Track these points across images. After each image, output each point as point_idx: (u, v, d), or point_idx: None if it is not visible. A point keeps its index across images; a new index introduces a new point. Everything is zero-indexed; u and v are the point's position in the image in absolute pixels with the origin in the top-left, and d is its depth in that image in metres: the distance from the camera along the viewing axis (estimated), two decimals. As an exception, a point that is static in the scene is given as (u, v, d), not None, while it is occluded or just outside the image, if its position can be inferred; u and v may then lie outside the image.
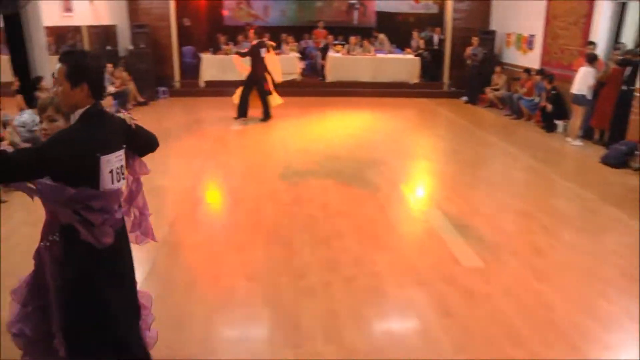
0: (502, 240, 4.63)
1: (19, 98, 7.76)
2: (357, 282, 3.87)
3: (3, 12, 7.20)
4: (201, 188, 6.22)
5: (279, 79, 9.96)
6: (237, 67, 9.80)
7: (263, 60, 9.53)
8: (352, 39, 12.95)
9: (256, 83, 9.55)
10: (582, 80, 7.96)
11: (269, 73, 9.68)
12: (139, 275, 3.86)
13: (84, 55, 2.24)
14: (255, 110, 9.66)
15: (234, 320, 3.50)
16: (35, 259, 2.46)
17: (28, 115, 7.06)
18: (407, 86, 12.50)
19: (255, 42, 9.53)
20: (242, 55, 9.74)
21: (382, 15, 14.86)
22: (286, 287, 3.81)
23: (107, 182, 2.23)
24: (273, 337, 3.26)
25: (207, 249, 4.54)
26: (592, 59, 7.95)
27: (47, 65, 8.42)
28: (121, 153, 2.33)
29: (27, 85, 7.94)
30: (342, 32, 13.82)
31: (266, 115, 9.70)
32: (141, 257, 4.20)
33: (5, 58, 8.68)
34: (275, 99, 9.84)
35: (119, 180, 2.30)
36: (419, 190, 6.27)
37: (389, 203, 5.60)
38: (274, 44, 10.34)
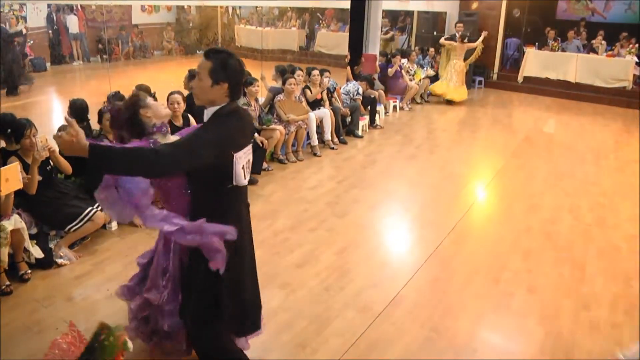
0: None
1: (348, 70, 9.29)
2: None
3: None
4: (500, 185, 6.39)
5: None
6: None
7: None
8: None
9: None
10: None
11: None
12: (423, 254, 4.39)
13: (229, 56, 2.24)
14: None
15: (503, 327, 3.47)
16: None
17: (352, 85, 8.41)
18: None
19: None
20: None
21: None
22: (568, 312, 3.60)
23: (240, 178, 2.32)
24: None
25: (492, 246, 4.64)
26: None
27: (378, 44, 9.77)
28: (249, 148, 2.37)
29: (356, 59, 9.41)
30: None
31: None
32: (427, 238, 4.72)
33: (345, 35, 10.42)
34: None
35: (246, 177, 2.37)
36: None
37: None
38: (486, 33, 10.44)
